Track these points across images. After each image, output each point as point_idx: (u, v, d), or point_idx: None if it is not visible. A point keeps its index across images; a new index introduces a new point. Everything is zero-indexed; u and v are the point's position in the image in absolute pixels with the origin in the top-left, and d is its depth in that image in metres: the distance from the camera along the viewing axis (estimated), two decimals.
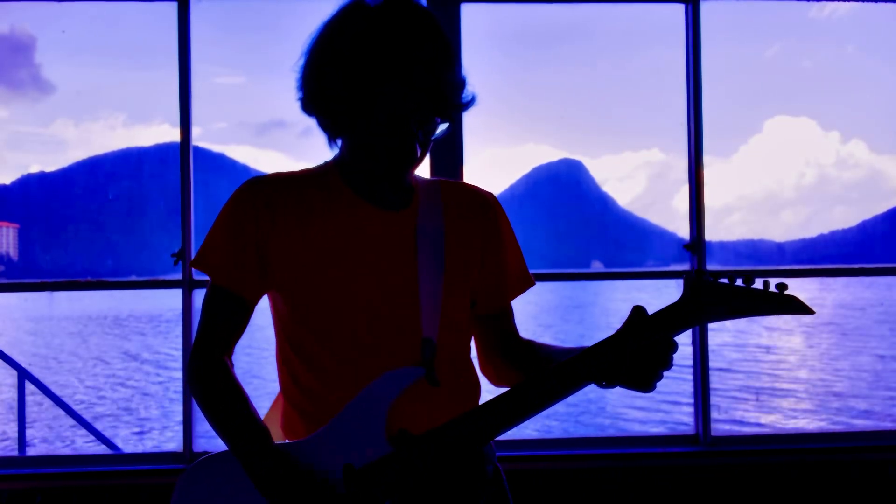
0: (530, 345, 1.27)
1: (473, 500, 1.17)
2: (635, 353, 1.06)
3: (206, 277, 1.21)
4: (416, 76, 1.07)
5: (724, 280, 1.07)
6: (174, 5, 2.56)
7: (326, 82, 1.11)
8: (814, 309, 1.07)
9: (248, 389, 1.18)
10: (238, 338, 1.21)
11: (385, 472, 1.06)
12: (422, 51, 1.07)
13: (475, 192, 1.28)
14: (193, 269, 2.43)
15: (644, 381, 1.06)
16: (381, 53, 1.07)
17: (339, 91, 1.09)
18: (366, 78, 1.08)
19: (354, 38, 1.09)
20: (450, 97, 1.11)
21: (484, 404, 1.09)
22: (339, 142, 1.19)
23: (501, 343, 1.29)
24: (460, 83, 1.14)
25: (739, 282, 1.07)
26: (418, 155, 1.13)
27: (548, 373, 1.07)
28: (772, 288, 1.06)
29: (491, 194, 1.29)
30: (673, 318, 1.07)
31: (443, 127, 1.14)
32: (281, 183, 1.19)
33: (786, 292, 1.05)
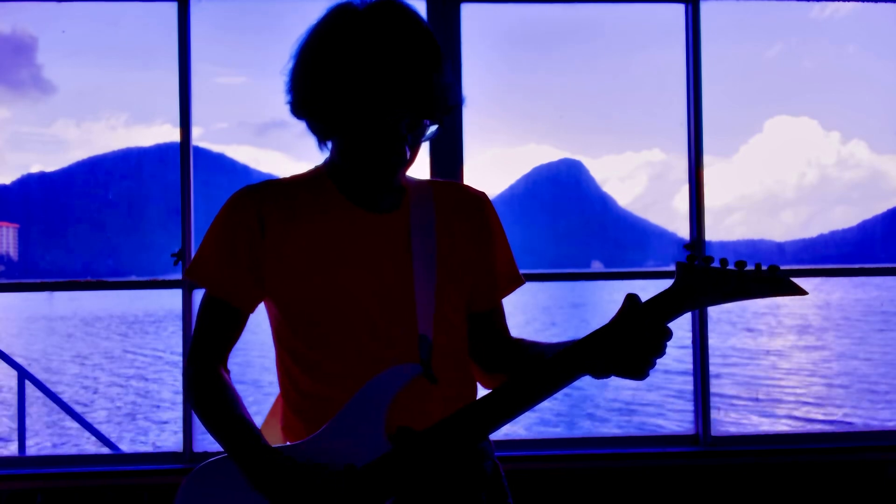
0: (520, 344, 1.27)
1: (472, 496, 1.18)
2: (629, 341, 1.06)
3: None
4: (404, 80, 1.07)
5: (716, 264, 1.08)
6: (174, 5, 2.56)
7: (315, 86, 1.11)
8: (806, 290, 1.08)
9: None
10: (232, 346, 1.23)
11: (386, 470, 1.06)
12: (410, 54, 1.08)
13: (466, 191, 1.29)
14: None
15: (637, 368, 1.06)
16: (369, 57, 1.07)
17: (328, 95, 1.10)
18: (354, 82, 1.08)
19: (343, 42, 1.09)
20: (439, 100, 1.11)
21: (480, 399, 1.09)
22: (330, 144, 1.19)
23: (492, 342, 1.29)
24: (449, 85, 1.13)
25: (732, 265, 1.08)
26: (408, 158, 1.13)
27: (543, 364, 1.08)
28: (763, 270, 1.07)
29: (482, 193, 1.30)
30: (666, 305, 1.07)
31: (432, 129, 1.15)
32: (272, 191, 1.20)
33: (777, 273, 1.06)
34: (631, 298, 1.08)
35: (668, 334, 1.06)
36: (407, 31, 1.09)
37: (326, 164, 1.23)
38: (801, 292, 1.07)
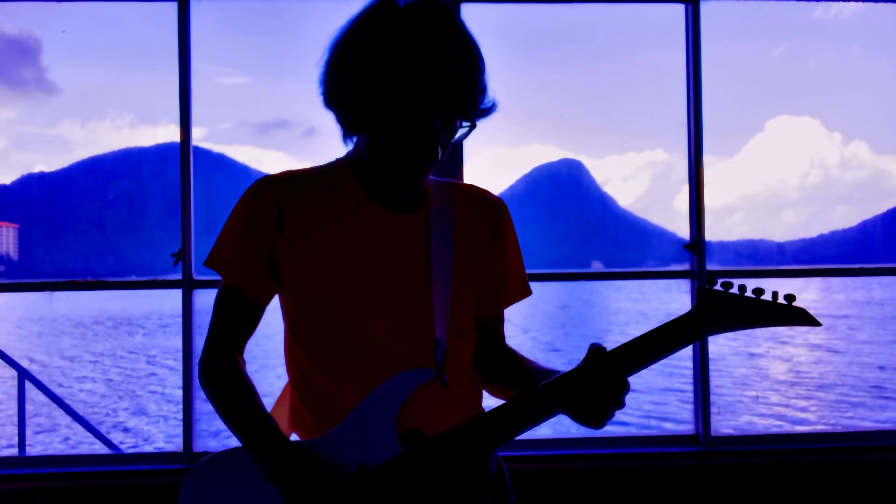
0: (510, 355, 1.28)
1: (479, 499, 1.18)
2: (587, 392, 1.06)
3: (214, 276, 1.22)
4: (443, 78, 1.07)
5: (735, 290, 1.08)
6: (174, 5, 2.56)
7: (352, 78, 1.10)
8: (821, 322, 1.08)
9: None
10: (249, 336, 1.23)
11: (396, 473, 1.07)
12: (450, 53, 1.08)
13: (485, 196, 1.29)
14: (194, 269, 2.43)
15: (593, 418, 1.07)
16: (409, 53, 1.07)
17: (365, 88, 1.09)
18: (393, 77, 1.07)
19: (383, 36, 1.09)
20: (476, 100, 1.11)
21: (491, 411, 1.10)
22: (355, 139, 1.18)
23: (489, 349, 1.29)
24: (483, 88, 1.13)
25: (749, 292, 1.08)
26: (438, 156, 1.12)
27: (524, 395, 1.09)
28: (780, 300, 1.07)
29: (500, 200, 1.30)
30: (677, 333, 1.08)
31: (463, 131, 1.14)
32: (292, 183, 1.19)
33: (794, 304, 1.06)
34: (594, 350, 1.08)
35: (626, 388, 1.07)
36: (448, 30, 1.09)
37: (350, 157, 1.22)
38: (816, 323, 1.07)
